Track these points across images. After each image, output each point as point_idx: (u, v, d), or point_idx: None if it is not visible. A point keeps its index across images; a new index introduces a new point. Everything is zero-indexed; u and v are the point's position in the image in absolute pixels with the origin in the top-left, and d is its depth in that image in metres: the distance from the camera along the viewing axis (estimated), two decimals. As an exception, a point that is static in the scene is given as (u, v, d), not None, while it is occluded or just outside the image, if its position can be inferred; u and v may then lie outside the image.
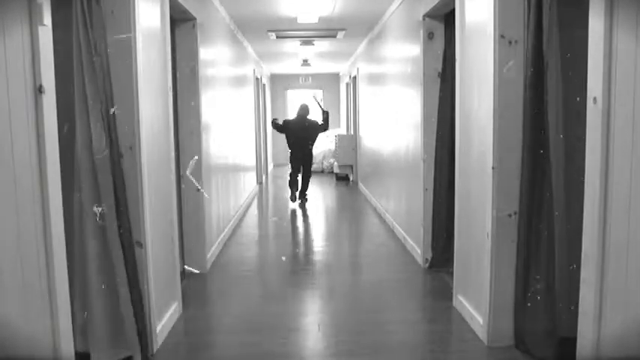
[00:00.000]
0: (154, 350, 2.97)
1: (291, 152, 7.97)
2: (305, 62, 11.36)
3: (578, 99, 2.44)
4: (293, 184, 8.02)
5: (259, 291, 4.24)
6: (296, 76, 14.46)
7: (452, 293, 3.66)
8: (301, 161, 7.92)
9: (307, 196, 8.28)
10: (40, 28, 1.86)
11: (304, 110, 7.88)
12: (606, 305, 1.98)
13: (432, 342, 3.14)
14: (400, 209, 5.73)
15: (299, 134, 7.78)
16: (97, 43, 2.49)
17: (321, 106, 8.45)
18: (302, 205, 7.94)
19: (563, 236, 2.57)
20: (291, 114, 15.06)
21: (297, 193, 8.07)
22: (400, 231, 5.65)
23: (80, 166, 2.44)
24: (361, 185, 9.54)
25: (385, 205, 6.75)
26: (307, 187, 8.17)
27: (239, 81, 7.33)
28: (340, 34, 7.56)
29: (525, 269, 2.82)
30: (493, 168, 2.90)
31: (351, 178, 10.71)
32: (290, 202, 8.13)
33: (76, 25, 2.39)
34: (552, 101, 2.56)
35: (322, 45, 8.83)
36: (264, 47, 8.82)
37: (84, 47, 2.40)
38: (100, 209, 2.50)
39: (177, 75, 4.28)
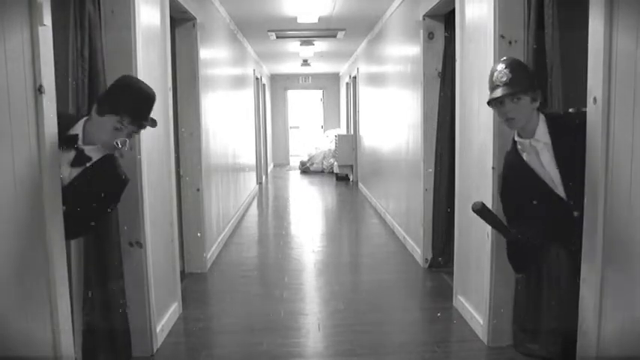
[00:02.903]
0: (154, 350, 2.97)
1: None
2: (305, 62, 11.35)
3: (577, 99, 2.43)
4: None
5: (259, 291, 4.24)
6: (296, 76, 14.45)
7: (452, 293, 3.66)
8: None
9: None
10: (40, 28, 1.85)
11: None
12: (606, 305, 1.97)
13: (432, 342, 3.14)
14: (400, 209, 5.72)
15: None
16: (83, 51, 2.39)
17: None
18: None
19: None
20: (292, 114, 15.24)
21: None
22: (400, 231, 5.65)
23: None
24: (361, 185, 9.54)
25: (385, 205, 6.75)
26: None
27: (239, 81, 7.33)
28: (340, 34, 7.56)
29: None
30: (493, 168, 2.90)
31: (350, 178, 10.70)
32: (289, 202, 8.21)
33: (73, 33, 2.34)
34: (555, 101, 2.56)
35: (322, 45, 8.82)
36: (264, 47, 8.82)
37: (70, 62, 2.32)
38: None
39: (177, 75, 4.28)
